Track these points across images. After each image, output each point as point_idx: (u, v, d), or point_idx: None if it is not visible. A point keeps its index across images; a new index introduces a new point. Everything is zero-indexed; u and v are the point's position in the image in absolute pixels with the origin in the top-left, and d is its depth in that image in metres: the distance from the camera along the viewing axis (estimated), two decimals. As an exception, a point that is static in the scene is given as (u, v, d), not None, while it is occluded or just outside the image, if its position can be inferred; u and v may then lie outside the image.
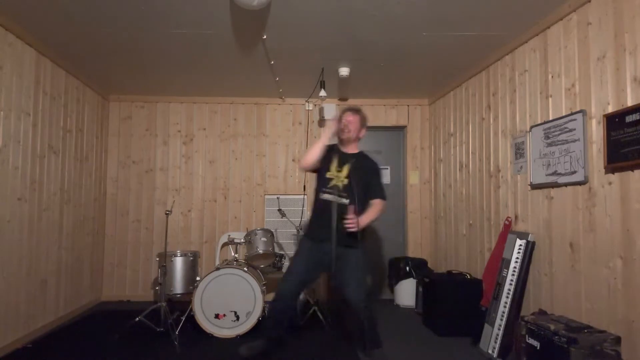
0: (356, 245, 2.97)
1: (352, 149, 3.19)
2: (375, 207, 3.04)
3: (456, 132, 4.75)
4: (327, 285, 5.36)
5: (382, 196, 3.10)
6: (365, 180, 3.06)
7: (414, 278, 4.85)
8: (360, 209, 2.96)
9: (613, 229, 2.56)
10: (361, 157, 3.18)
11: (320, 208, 3.05)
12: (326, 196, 3.04)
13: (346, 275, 2.99)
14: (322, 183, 3.08)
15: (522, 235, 3.36)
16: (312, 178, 5.41)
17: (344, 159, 3.10)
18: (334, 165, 3.09)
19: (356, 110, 3.22)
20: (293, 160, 5.47)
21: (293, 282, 3.06)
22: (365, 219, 2.94)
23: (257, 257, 4.17)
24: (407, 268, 4.93)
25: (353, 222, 2.84)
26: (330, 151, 3.14)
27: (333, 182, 3.04)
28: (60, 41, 3.68)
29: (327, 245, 2.94)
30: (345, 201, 2.98)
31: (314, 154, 3.05)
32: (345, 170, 3.05)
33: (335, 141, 3.21)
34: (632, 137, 2.37)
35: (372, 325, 3.04)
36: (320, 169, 3.11)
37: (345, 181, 3.02)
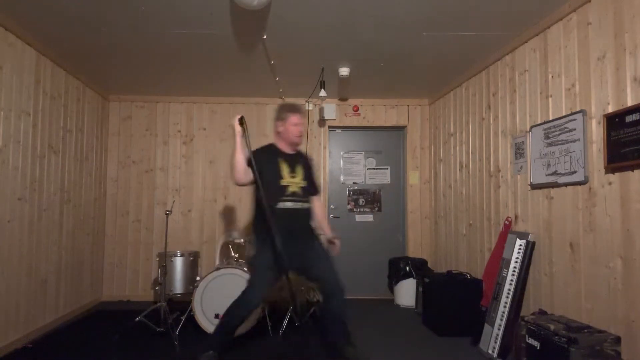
0: (314, 237, 3.07)
1: (292, 149, 3.12)
2: (319, 205, 3.20)
3: (456, 132, 4.75)
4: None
5: (319, 191, 3.27)
6: (310, 176, 3.13)
7: (413, 278, 4.85)
8: (310, 204, 3.10)
9: (613, 229, 2.56)
10: (302, 155, 3.17)
11: (284, 218, 2.89)
12: (288, 204, 2.92)
13: (320, 264, 2.98)
14: (278, 191, 2.91)
15: (522, 235, 3.36)
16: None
17: (292, 162, 3.02)
18: (284, 170, 2.98)
19: (298, 108, 3.11)
20: (293, 160, 5.47)
21: (261, 291, 2.94)
22: (329, 229, 3.15)
23: (257, 257, 4.16)
24: (407, 268, 4.93)
25: (337, 248, 3.06)
26: (270, 155, 3.00)
27: (290, 189, 2.95)
28: (60, 41, 3.69)
29: (292, 249, 2.86)
30: (307, 205, 2.99)
31: (241, 166, 2.83)
32: (300, 173, 3.02)
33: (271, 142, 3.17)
34: (632, 137, 2.37)
35: (341, 319, 3.06)
36: (269, 178, 2.90)
37: (303, 183, 3.00)
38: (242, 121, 2.85)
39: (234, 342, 3.26)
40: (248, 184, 2.91)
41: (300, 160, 3.10)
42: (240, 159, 2.83)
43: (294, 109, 3.08)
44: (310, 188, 3.12)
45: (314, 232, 3.08)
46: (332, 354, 3.11)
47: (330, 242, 3.11)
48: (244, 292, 2.96)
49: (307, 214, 3.04)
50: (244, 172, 2.84)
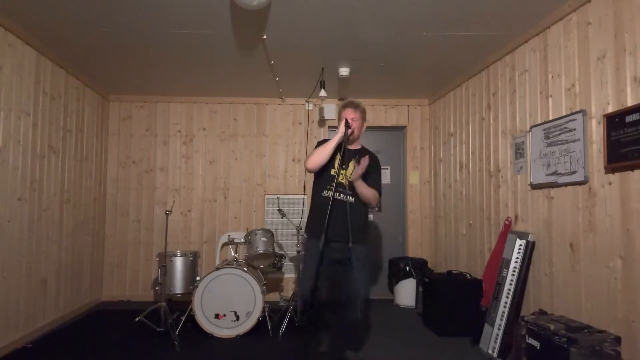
0: (365, 242, 3.00)
1: (355, 146, 3.16)
2: (372, 195, 3.06)
3: (456, 132, 4.75)
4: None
5: (379, 190, 3.10)
6: (365, 175, 3.03)
7: (414, 278, 4.85)
8: (361, 201, 3.00)
9: (613, 229, 2.56)
10: (363, 153, 3.14)
11: (324, 206, 2.91)
12: (331, 194, 2.94)
13: (356, 271, 2.93)
14: (326, 181, 3.00)
15: (522, 235, 3.36)
16: (311, 178, 5.42)
17: (348, 156, 3.03)
18: (337, 162, 3.01)
19: (356, 105, 3.11)
20: (293, 160, 5.47)
21: (305, 285, 2.94)
22: (361, 182, 2.94)
23: (257, 257, 4.16)
24: (407, 268, 4.93)
25: (360, 167, 2.86)
26: (339, 146, 3.04)
27: (338, 180, 2.97)
28: (60, 41, 3.69)
29: (336, 243, 2.89)
30: (352, 199, 2.97)
31: (325, 156, 2.94)
32: (351, 167, 3.03)
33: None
34: (632, 137, 2.37)
35: (365, 325, 3.05)
36: (324, 167, 3.02)
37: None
38: (347, 124, 2.95)
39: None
40: (313, 171, 3.04)
41: (357, 156, 3.05)
42: (329, 152, 2.93)
43: (346, 104, 3.12)
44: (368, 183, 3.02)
45: (359, 233, 2.96)
46: (334, 355, 3.11)
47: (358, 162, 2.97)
48: (299, 279, 3.11)
49: (350, 208, 2.91)
50: (322, 163, 2.96)
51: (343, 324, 3.05)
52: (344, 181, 2.99)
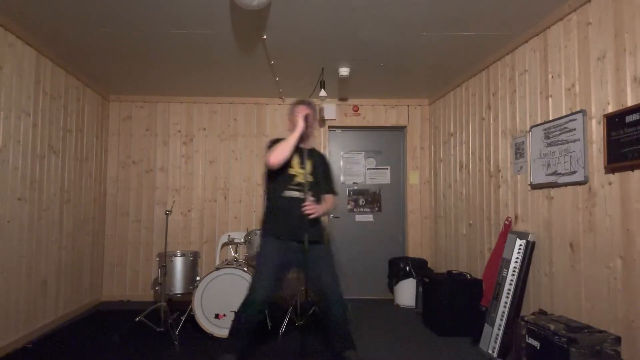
0: (323, 241, 3.02)
1: (309, 144, 3.12)
2: (330, 200, 3.14)
3: (456, 132, 4.75)
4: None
5: (335, 192, 3.21)
6: (322, 175, 3.11)
7: (414, 278, 4.85)
8: (319, 199, 3.07)
9: (613, 229, 2.56)
10: (316, 152, 3.17)
11: (286, 206, 2.95)
12: (293, 193, 2.97)
13: (322, 269, 2.96)
14: (286, 180, 2.99)
15: (522, 235, 3.36)
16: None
17: (305, 155, 3.02)
18: (295, 161, 3.02)
19: (309, 103, 3.11)
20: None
21: (267, 288, 2.90)
22: (322, 208, 3.03)
23: (257, 257, 4.16)
24: (407, 268, 4.93)
25: (312, 208, 2.90)
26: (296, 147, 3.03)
27: (298, 179, 2.99)
28: (60, 41, 3.69)
29: (295, 244, 2.91)
30: (311, 198, 2.99)
31: (288, 152, 2.91)
32: (309, 166, 3.03)
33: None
34: (632, 137, 2.37)
35: (348, 321, 3.03)
36: (282, 167, 2.99)
37: (310, 177, 3.01)
38: (306, 119, 2.97)
39: (254, 346, 3.23)
40: (275, 168, 2.96)
41: (314, 157, 3.08)
42: (292, 147, 2.92)
43: (300, 102, 3.12)
44: (323, 185, 3.10)
45: (320, 231, 3.03)
46: (333, 355, 3.10)
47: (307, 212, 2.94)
48: (248, 290, 2.92)
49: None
50: (285, 159, 2.92)
51: (329, 321, 3.03)
52: (303, 180, 3.00)
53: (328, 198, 3.15)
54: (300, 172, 3.01)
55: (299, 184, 2.98)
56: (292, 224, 2.91)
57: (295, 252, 2.92)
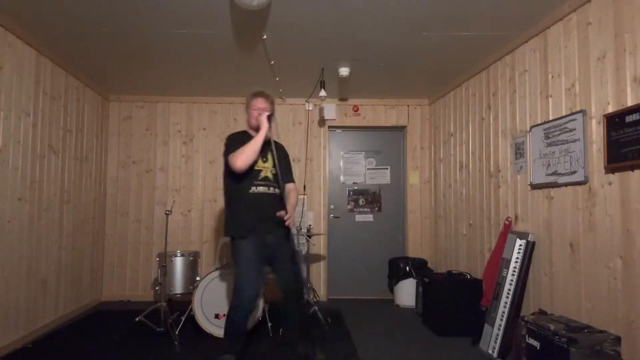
0: (289, 237, 3.03)
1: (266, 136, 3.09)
2: (293, 193, 3.13)
3: (456, 132, 4.75)
4: (326, 285, 5.37)
5: (294, 180, 3.23)
6: (283, 163, 3.10)
7: (414, 278, 4.85)
8: (282, 190, 3.03)
9: (613, 229, 2.56)
10: (276, 143, 3.09)
11: (255, 202, 2.93)
12: (260, 189, 2.96)
13: (286, 265, 2.97)
14: (252, 176, 2.95)
15: (522, 235, 3.36)
16: (311, 178, 5.43)
17: (265, 148, 2.99)
18: (258, 156, 2.97)
19: (267, 95, 3.05)
20: (293, 160, 5.44)
21: (251, 285, 2.88)
22: (293, 210, 3.03)
23: (257, 257, 4.16)
24: (407, 268, 4.93)
25: (290, 220, 2.91)
26: (244, 140, 2.94)
27: (263, 174, 2.98)
28: (60, 41, 3.68)
29: (269, 238, 2.93)
30: (277, 191, 2.99)
31: (255, 155, 2.87)
32: (270, 160, 3.03)
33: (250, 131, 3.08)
34: (632, 137, 2.37)
35: (298, 322, 3.07)
36: None
37: (273, 170, 3.01)
38: (270, 119, 2.94)
39: (247, 343, 3.24)
40: (241, 171, 2.92)
41: (271, 148, 3.01)
42: (258, 149, 2.89)
43: (256, 94, 3.04)
44: (285, 176, 3.07)
45: (286, 227, 2.99)
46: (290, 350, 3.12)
47: (281, 217, 2.92)
48: (234, 292, 2.91)
49: (279, 200, 2.99)
50: (251, 162, 2.90)
51: (295, 312, 3.05)
52: (268, 174, 3.00)
53: (290, 188, 3.13)
54: (265, 166, 3.00)
55: (265, 179, 2.98)
56: (262, 219, 2.92)
57: (267, 247, 2.94)
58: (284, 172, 3.07)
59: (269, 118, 2.93)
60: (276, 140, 3.10)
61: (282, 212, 2.90)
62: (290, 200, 3.06)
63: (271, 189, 2.99)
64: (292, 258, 3.01)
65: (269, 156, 3.03)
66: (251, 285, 2.88)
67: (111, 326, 4.04)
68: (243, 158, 2.84)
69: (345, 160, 5.63)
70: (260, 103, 3.00)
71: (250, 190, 2.94)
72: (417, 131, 5.57)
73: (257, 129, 2.96)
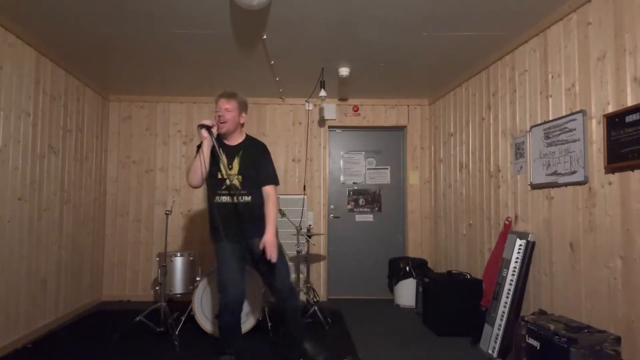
0: (261, 231, 2.90)
1: (236, 140, 2.97)
2: (271, 199, 2.91)
3: (456, 132, 4.75)
4: (326, 285, 5.37)
5: (274, 181, 2.97)
6: (256, 166, 2.93)
7: (414, 278, 4.85)
8: (258, 195, 2.91)
9: (613, 229, 2.56)
10: (247, 144, 2.98)
11: (220, 212, 2.87)
12: (223, 199, 2.88)
13: (270, 265, 2.88)
14: (216, 185, 2.88)
15: (522, 235, 3.36)
16: (311, 178, 5.43)
17: (231, 154, 2.91)
18: (222, 164, 2.88)
19: (230, 95, 2.90)
20: (293, 160, 5.47)
21: (234, 287, 2.83)
22: (271, 228, 2.85)
23: (257, 257, 4.16)
24: (407, 268, 4.93)
25: (271, 252, 2.79)
26: (214, 149, 2.85)
27: (228, 183, 2.88)
28: (60, 41, 3.68)
29: (245, 242, 2.91)
30: (247, 198, 2.89)
31: (199, 171, 2.79)
32: (236, 166, 2.91)
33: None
34: (632, 137, 2.37)
35: (298, 318, 3.07)
36: (209, 174, 2.87)
37: (240, 177, 2.89)
38: (206, 127, 2.79)
39: (247, 344, 3.26)
40: (199, 186, 2.90)
41: (241, 151, 2.92)
42: (202, 165, 2.79)
43: (219, 94, 2.92)
44: (260, 177, 2.93)
45: (262, 228, 2.88)
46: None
47: (262, 245, 2.83)
48: (219, 293, 2.87)
49: (248, 207, 2.89)
50: (199, 177, 2.83)
51: (292, 311, 3.04)
52: (235, 182, 2.89)
53: (269, 193, 2.93)
54: (230, 173, 2.89)
55: (229, 188, 2.88)
56: (230, 228, 2.86)
57: (249, 250, 2.91)
58: (254, 176, 2.91)
59: (209, 130, 2.77)
60: (254, 138, 3.03)
61: (268, 252, 2.79)
62: (269, 212, 2.88)
63: (237, 198, 2.87)
64: (270, 267, 2.90)
65: (235, 162, 2.91)
66: (233, 284, 2.83)
67: (111, 326, 4.04)
68: (190, 176, 2.84)
69: (345, 160, 5.63)
70: (221, 104, 2.87)
71: (215, 200, 2.90)
72: (417, 131, 5.57)
73: (224, 135, 2.91)
